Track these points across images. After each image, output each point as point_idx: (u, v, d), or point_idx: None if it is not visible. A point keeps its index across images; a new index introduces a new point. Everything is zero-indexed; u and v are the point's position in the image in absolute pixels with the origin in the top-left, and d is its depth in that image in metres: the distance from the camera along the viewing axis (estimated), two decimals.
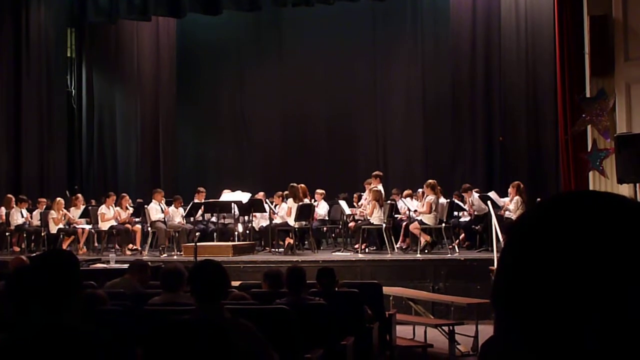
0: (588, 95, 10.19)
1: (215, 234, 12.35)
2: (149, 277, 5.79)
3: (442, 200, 11.03)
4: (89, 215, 12.37)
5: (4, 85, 14.23)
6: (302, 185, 11.66)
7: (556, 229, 0.74)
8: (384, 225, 10.90)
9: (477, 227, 11.46)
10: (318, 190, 12.60)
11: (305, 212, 11.25)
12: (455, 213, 11.83)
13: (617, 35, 9.92)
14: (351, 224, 11.73)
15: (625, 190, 9.16)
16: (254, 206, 12.06)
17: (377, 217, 10.89)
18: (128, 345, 3.37)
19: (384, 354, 6.26)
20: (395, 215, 11.70)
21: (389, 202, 11.59)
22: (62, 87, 15.65)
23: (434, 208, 10.68)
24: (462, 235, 11.91)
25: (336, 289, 5.62)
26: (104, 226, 12.16)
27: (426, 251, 10.62)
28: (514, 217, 10.26)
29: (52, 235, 12.30)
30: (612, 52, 9.95)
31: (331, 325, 4.66)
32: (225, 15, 14.31)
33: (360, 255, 10.71)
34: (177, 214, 12.38)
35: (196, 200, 12.58)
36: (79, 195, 13.35)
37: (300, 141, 16.22)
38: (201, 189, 13.07)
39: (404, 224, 11.36)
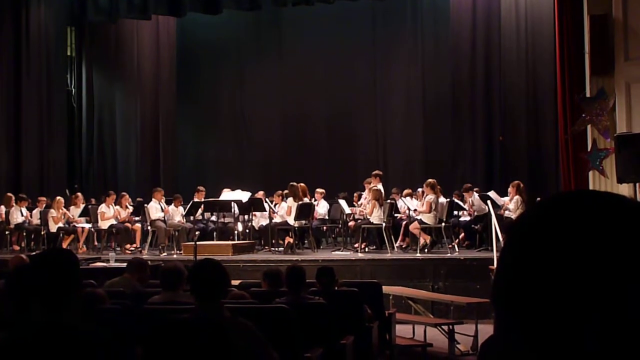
0: (588, 94, 10.18)
1: (215, 233, 12.36)
2: (148, 275, 5.79)
3: (442, 199, 11.04)
4: (89, 214, 12.37)
5: (4, 84, 14.23)
6: (302, 184, 11.66)
7: (556, 228, 0.74)
8: (384, 224, 10.90)
9: (476, 227, 11.46)
10: (318, 190, 12.61)
11: (305, 211, 11.26)
12: (455, 212, 11.84)
13: (617, 35, 9.92)
14: (351, 223, 11.73)
15: (625, 190, 9.16)
16: (254, 205, 12.06)
17: (376, 217, 10.90)
18: (127, 344, 3.37)
19: (384, 353, 6.26)
20: (395, 215, 11.70)
21: (388, 201, 11.60)
22: (62, 86, 15.64)
23: (433, 207, 10.68)
24: (462, 234, 11.91)
25: (336, 288, 5.63)
26: (104, 225, 12.17)
27: (426, 250, 10.62)
28: (513, 216, 10.26)
29: (52, 234, 12.31)
30: (612, 52, 9.95)
31: (331, 325, 4.66)
32: (225, 15, 14.31)
33: (360, 255, 10.71)
34: (177, 213, 12.38)
35: (196, 199, 12.58)
36: (79, 194, 13.35)
37: (300, 140, 16.22)
38: (201, 188, 13.07)
39: (404, 223, 11.36)
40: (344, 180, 14.50)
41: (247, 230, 12.27)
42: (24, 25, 14.48)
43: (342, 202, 12.16)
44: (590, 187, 9.86)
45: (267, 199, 12.38)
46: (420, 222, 10.76)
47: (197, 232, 11.88)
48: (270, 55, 16.46)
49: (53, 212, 12.34)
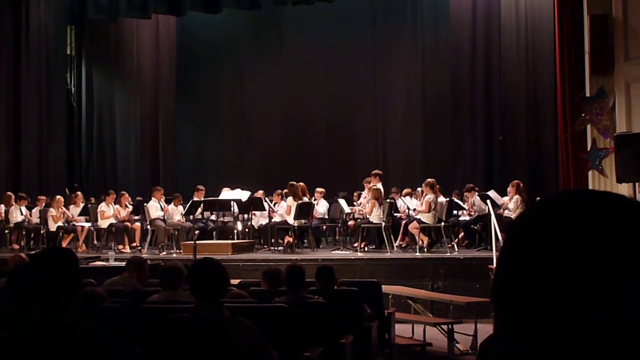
0: (588, 94, 10.18)
1: (214, 232, 12.36)
2: (147, 274, 5.79)
3: (442, 199, 11.04)
4: (89, 213, 12.38)
5: (4, 82, 14.22)
6: (302, 183, 11.66)
7: (555, 228, 0.74)
8: (384, 223, 10.90)
9: (476, 227, 11.46)
10: (317, 189, 12.61)
11: (304, 211, 11.26)
12: (455, 212, 11.84)
13: (617, 35, 9.92)
14: (350, 223, 11.73)
15: (624, 189, 9.16)
16: (254, 204, 12.06)
17: (376, 216, 10.90)
18: (127, 343, 3.37)
19: (383, 353, 6.26)
20: (395, 214, 11.70)
21: (388, 200, 11.60)
22: (61, 85, 15.64)
23: (432, 207, 10.68)
24: (461, 234, 11.91)
25: (335, 287, 5.62)
26: (104, 224, 12.17)
27: (425, 250, 10.62)
28: (513, 216, 10.26)
29: (52, 233, 12.31)
30: (612, 52, 9.95)
31: (330, 324, 4.66)
32: (225, 14, 14.31)
33: (359, 254, 10.71)
34: (176, 212, 12.38)
35: (195, 198, 12.58)
36: (79, 192, 13.35)
37: (299, 139, 16.22)
38: (200, 187, 13.06)
39: (404, 222, 11.36)
40: (344, 180, 14.49)
41: (247, 230, 12.27)
42: (24, 24, 14.48)
43: (342, 202, 12.16)
44: (590, 187, 9.87)
45: (266, 198, 12.38)
46: (420, 221, 10.76)
47: (196, 231, 11.90)
48: (270, 54, 16.46)
49: (52, 211, 12.34)
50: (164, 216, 12.13)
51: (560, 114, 11.04)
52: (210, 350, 2.96)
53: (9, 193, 12.81)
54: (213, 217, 12.86)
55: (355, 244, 11.24)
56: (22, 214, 12.58)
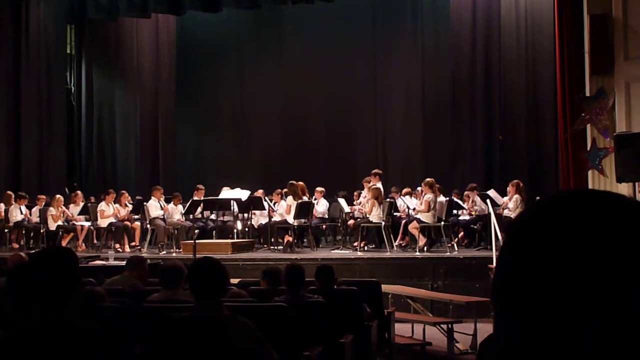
0: (588, 94, 10.19)
1: (214, 232, 12.36)
2: (147, 272, 5.79)
3: (441, 198, 11.04)
4: (88, 212, 12.38)
5: (4, 81, 14.22)
6: (301, 182, 11.67)
7: (555, 227, 0.74)
8: (383, 223, 10.90)
9: (475, 226, 11.46)
10: (317, 188, 12.61)
11: (304, 210, 11.26)
12: (455, 211, 11.84)
13: (617, 34, 9.92)
14: (350, 222, 11.73)
15: (624, 189, 9.16)
16: (253, 204, 12.06)
17: (376, 215, 10.90)
18: (127, 342, 3.37)
19: (383, 352, 6.27)
20: (395, 213, 11.70)
21: (388, 200, 11.60)
22: (61, 84, 15.64)
23: (432, 206, 10.69)
24: (461, 233, 11.91)
25: (335, 286, 5.63)
26: (103, 223, 12.17)
27: (424, 249, 10.62)
28: (513, 215, 10.27)
29: (51, 232, 12.30)
30: (611, 51, 9.95)
31: (330, 323, 4.66)
32: (225, 13, 14.31)
33: (359, 253, 10.71)
34: (176, 211, 12.38)
35: (195, 198, 12.58)
36: (78, 192, 13.34)
37: (299, 139, 16.22)
38: (200, 186, 13.06)
39: (403, 222, 11.37)
40: (344, 179, 14.49)
41: (247, 229, 12.28)
42: (24, 23, 14.47)
43: (342, 201, 12.16)
44: (590, 187, 9.87)
45: (266, 198, 12.39)
46: (419, 221, 10.76)
47: (196, 231, 11.90)
48: (270, 54, 16.46)
49: (52, 210, 12.33)
50: (163, 215, 12.13)
51: (560, 113, 11.04)
52: (210, 349, 2.97)
53: (8, 192, 12.81)
54: (213, 217, 12.86)
55: (355, 244, 11.25)
56: (21, 213, 12.58)
